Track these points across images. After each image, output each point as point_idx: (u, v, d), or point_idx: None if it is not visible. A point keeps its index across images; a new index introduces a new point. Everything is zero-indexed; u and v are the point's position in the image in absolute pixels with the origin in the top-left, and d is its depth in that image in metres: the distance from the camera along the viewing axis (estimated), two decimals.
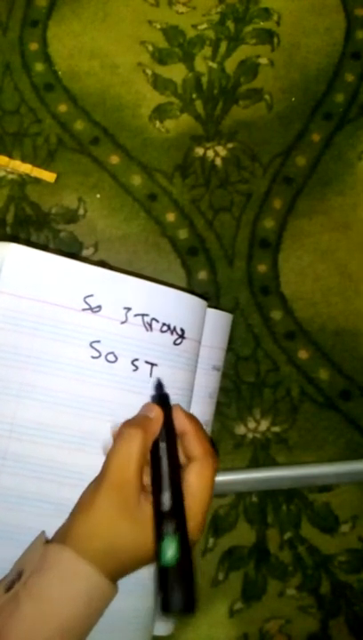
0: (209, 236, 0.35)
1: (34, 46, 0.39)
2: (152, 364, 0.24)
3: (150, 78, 0.38)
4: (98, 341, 0.24)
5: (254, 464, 0.31)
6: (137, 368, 0.24)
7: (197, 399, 0.26)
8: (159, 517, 0.20)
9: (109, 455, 0.21)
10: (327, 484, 0.31)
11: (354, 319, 0.33)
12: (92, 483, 0.22)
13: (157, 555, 0.19)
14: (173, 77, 0.38)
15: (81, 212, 0.35)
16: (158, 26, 0.40)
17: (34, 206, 0.35)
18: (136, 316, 0.24)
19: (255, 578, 0.30)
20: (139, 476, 0.21)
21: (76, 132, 0.37)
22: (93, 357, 0.24)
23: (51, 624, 0.18)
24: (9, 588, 0.19)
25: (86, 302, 0.24)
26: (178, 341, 0.25)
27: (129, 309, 0.24)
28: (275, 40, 0.39)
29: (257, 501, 0.31)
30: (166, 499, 0.20)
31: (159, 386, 0.24)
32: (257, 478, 0.31)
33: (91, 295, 0.24)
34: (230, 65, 0.39)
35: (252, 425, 0.32)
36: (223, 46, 0.39)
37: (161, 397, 0.24)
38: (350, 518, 0.31)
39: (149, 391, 0.24)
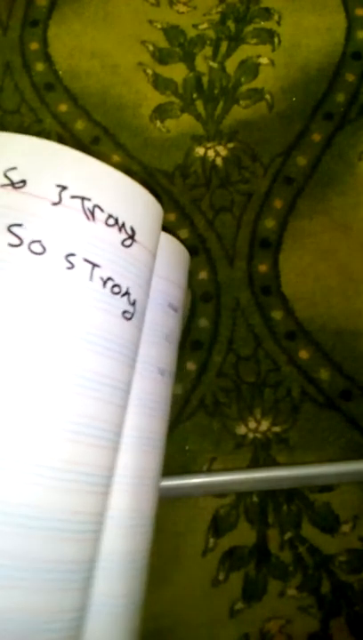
0: (210, 235, 0.35)
1: (34, 46, 0.39)
2: (94, 265, 0.19)
3: (151, 78, 0.38)
4: (19, 225, 0.18)
5: (255, 464, 0.31)
6: (73, 266, 0.18)
7: (153, 339, 0.22)
8: None
9: None
10: (328, 484, 0.31)
11: (355, 319, 0.33)
12: None
13: None
14: (173, 77, 0.38)
15: None
16: (159, 25, 0.40)
17: None
18: (74, 198, 0.19)
19: (256, 578, 0.30)
20: None
21: (76, 131, 0.37)
22: (12, 245, 0.18)
23: None
24: None
25: (6, 176, 0.19)
26: (127, 242, 0.20)
27: (64, 188, 0.19)
28: (276, 40, 0.39)
29: (258, 501, 0.31)
30: None
31: None
32: (258, 478, 0.31)
33: (13, 168, 0.19)
34: (231, 65, 0.39)
35: (252, 425, 0.32)
36: (224, 46, 0.39)
37: None
38: (350, 518, 0.31)
39: (88, 299, 0.19)
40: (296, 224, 0.35)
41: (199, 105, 0.38)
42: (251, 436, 0.32)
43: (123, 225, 0.20)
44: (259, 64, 0.39)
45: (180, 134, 0.37)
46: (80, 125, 0.37)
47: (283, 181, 0.36)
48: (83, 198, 0.19)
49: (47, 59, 0.39)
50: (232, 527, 0.31)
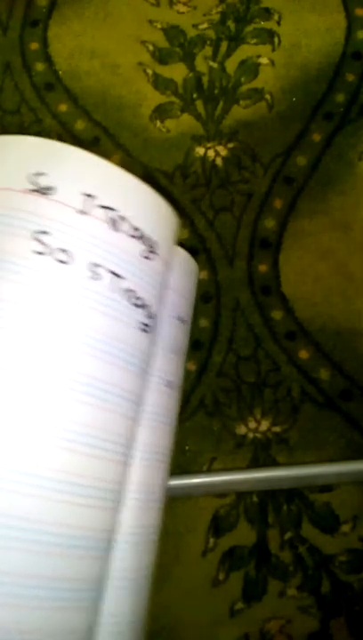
0: (210, 235, 0.35)
1: (34, 46, 0.39)
2: (117, 276, 0.18)
3: (151, 78, 0.38)
4: (45, 233, 0.18)
5: (255, 464, 0.31)
6: (96, 276, 0.18)
7: (161, 351, 0.22)
8: None
9: None
10: (328, 484, 0.31)
11: (355, 319, 0.33)
12: None
13: None
14: (173, 77, 0.38)
15: None
16: (159, 25, 0.40)
17: None
18: (100, 208, 0.19)
19: (256, 578, 0.30)
20: None
21: (76, 131, 0.37)
22: (38, 253, 0.17)
23: None
24: None
25: (34, 182, 0.18)
26: (149, 255, 0.20)
27: (91, 197, 0.18)
28: (276, 40, 0.39)
29: (258, 501, 0.31)
30: None
31: None
32: (258, 478, 0.31)
33: (42, 174, 0.18)
34: (231, 65, 0.39)
35: (252, 425, 0.32)
36: (224, 46, 0.39)
37: None
38: (350, 518, 0.31)
39: (109, 310, 0.18)
40: (296, 224, 0.35)
41: (199, 105, 0.38)
42: (251, 435, 0.32)
43: (145, 237, 0.20)
44: (259, 64, 0.39)
45: (180, 134, 0.37)
46: (80, 125, 0.37)
47: (283, 181, 0.36)
48: (109, 208, 0.19)
49: (47, 59, 0.39)
50: (232, 527, 0.31)
